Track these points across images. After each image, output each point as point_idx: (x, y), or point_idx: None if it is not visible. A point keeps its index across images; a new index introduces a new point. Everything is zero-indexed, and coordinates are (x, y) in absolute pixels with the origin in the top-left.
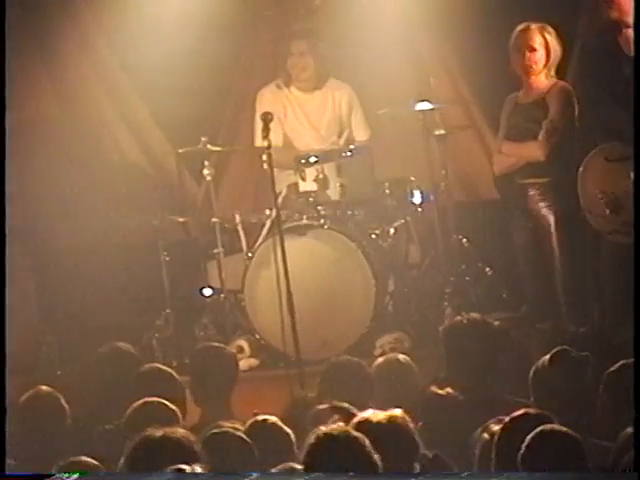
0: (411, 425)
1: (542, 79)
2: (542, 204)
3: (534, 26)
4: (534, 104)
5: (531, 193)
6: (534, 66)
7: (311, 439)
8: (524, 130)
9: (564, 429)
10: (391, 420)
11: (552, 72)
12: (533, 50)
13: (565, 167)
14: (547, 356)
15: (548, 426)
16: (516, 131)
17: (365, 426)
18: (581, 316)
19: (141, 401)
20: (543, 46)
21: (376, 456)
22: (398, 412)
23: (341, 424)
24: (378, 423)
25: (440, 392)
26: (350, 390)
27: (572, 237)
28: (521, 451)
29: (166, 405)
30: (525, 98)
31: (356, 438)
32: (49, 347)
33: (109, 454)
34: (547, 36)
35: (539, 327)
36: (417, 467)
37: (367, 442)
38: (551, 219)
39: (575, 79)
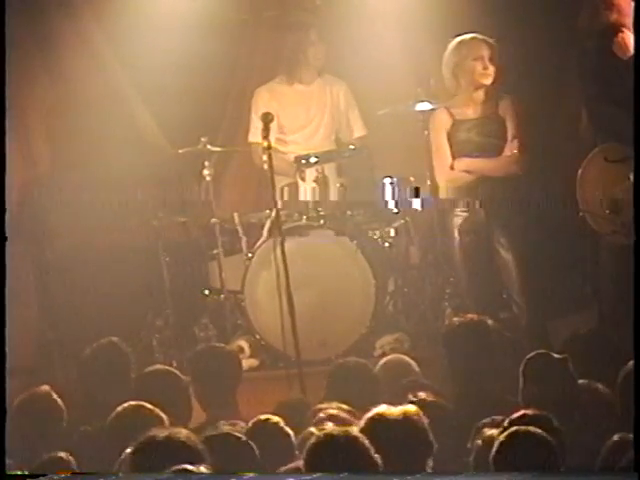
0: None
1: (484, 93)
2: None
3: (482, 38)
4: (487, 119)
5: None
6: (486, 80)
7: (312, 439)
8: (483, 145)
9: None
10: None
11: (496, 86)
12: (485, 63)
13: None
14: (526, 358)
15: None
16: (472, 147)
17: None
18: (581, 317)
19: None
20: (494, 60)
21: (376, 456)
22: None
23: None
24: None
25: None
26: (356, 391)
27: (569, 240)
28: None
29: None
30: (467, 113)
31: (356, 438)
32: (49, 347)
33: (103, 454)
34: (494, 50)
35: (538, 328)
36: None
37: (367, 442)
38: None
39: (574, 80)
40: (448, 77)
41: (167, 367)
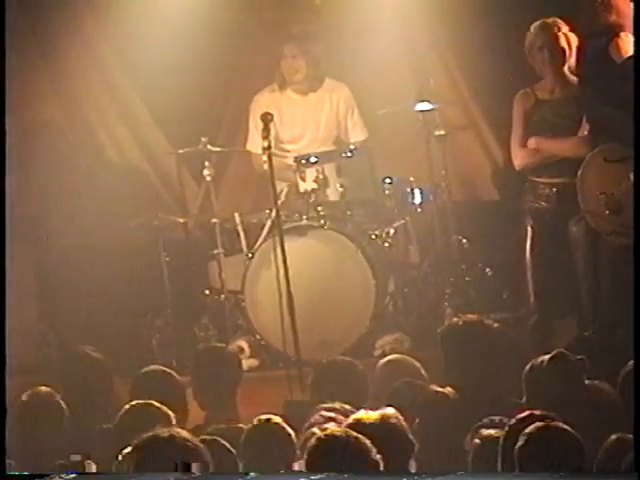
0: (404, 424)
1: (566, 75)
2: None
3: (555, 21)
4: (565, 100)
5: (546, 191)
6: (559, 62)
7: (312, 440)
8: (558, 126)
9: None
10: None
11: (573, 68)
12: (557, 46)
13: None
14: (543, 357)
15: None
16: (547, 127)
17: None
18: (581, 317)
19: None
20: (566, 42)
21: (377, 456)
22: (391, 411)
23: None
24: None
25: (438, 391)
26: (343, 390)
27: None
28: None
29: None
30: (549, 94)
31: (357, 438)
32: (49, 347)
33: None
34: (567, 31)
35: (538, 329)
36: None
37: (368, 442)
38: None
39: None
40: (534, 60)
41: (162, 367)
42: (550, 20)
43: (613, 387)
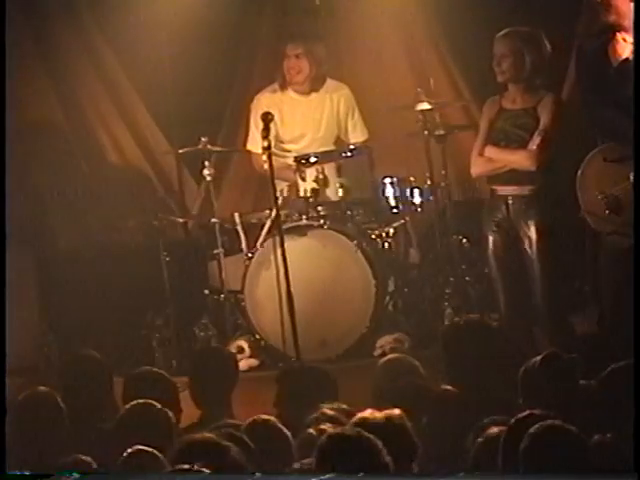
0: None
1: (527, 87)
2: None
3: (514, 32)
4: (523, 112)
5: (510, 201)
6: (511, 74)
7: (322, 439)
8: (512, 136)
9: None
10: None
11: (537, 81)
12: (509, 58)
13: (552, 178)
14: (537, 358)
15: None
16: (502, 136)
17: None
18: (581, 317)
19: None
20: (521, 54)
21: (388, 457)
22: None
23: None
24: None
25: (438, 391)
26: (308, 396)
27: (559, 244)
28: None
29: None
30: (511, 104)
31: (367, 438)
32: (49, 347)
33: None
34: (527, 44)
35: (538, 328)
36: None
37: (378, 442)
38: (533, 228)
39: (573, 81)
40: (496, 71)
41: (153, 368)
42: (513, 30)
43: (611, 387)
